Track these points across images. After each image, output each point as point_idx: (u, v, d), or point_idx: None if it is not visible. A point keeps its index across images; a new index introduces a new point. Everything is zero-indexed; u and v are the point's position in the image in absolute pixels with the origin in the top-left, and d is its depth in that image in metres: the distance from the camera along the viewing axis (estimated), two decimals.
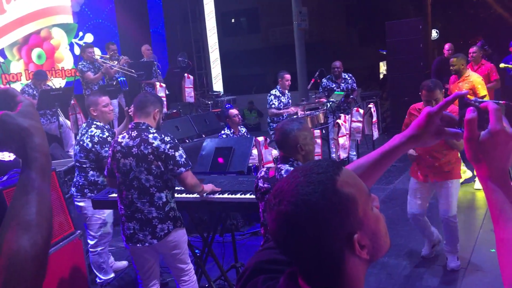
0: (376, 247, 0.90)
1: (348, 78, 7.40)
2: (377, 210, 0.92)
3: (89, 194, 3.81)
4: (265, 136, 4.91)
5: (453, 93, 1.04)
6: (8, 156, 5.10)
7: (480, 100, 0.98)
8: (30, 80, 7.08)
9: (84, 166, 3.83)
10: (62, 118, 6.62)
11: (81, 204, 3.86)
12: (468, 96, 1.01)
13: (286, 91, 6.92)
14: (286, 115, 6.76)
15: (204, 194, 3.32)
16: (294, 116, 6.44)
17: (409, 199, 4.12)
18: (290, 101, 7.01)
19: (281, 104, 6.82)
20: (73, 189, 3.93)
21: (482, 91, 5.58)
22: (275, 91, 6.84)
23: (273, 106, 6.77)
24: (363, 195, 0.89)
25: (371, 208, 0.91)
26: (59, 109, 6.39)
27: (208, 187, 3.35)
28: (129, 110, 3.75)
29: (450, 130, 1.06)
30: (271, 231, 0.90)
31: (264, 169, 2.81)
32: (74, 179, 3.98)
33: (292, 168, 2.53)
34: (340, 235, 0.86)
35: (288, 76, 6.87)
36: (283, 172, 2.58)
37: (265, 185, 2.68)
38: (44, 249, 0.80)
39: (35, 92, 6.54)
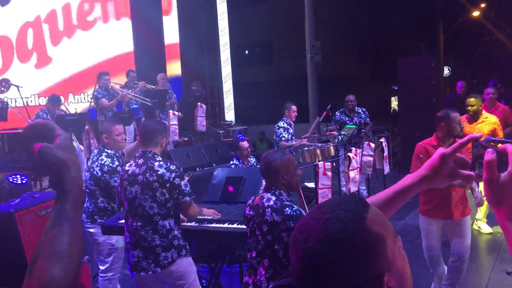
0: None
1: (362, 113, 7.44)
2: (402, 250, 0.90)
3: (99, 220, 3.82)
4: None
5: (468, 135, 1.05)
6: (21, 179, 5.17)
7: (493, 139, 0.98)
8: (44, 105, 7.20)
9: (94, 193, 3.86)
10: (76, 143, 6.69)
11: (91, 230, 3.87)
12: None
13: (292, 122, 6.98)
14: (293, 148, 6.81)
15: (205, 223, 3.32)
16: (305, 148, 6.48)
17: (427, 243, 3.96)
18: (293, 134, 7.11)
19: (290, 135, 6.86)
20: (83, 215, 3.94)
21: (500, 134, 5.51)
22: (283, 123, 6.88)
23: (283, 138, 6.79)
24: (391, 235, 0.87)
25: (398, 248, 0.88)
26: (73, 134, 6.47)
27: (208, 211, 3.39)
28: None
29: (463, 172, 1.06)
30: (295, 268, 0.87)
31: (253, 197, 2.86)
32: (84, 205, 4.00)
33: (274, 197, 2.64)
34: (369, 276, 0.83)
35: (294, 108, 6.92)
36: (264, 200, 2.65)
37: (250, 212, 2.75)
38: (75, 280, 0.82)
39: (49, 117, 6.64)
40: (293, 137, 6.98)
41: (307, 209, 3.46)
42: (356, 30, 19.34)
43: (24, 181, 5.21)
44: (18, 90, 6.72)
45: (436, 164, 1.07)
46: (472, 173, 1.03)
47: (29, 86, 7.64)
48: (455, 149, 1.06)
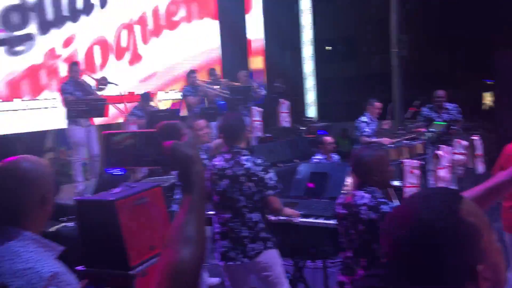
0: (497, 281, 0.86)
1: (452, 109, 7.07)
2: (497, 243, 0.89)
3: None
4: None
5: None
6: (118, 171, 5.56)
7: None
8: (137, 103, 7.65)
9: None
10: None
11: None
12: None
13: (375, 118, 6.82)
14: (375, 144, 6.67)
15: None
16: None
17: None
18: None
19: (372, 130, 6.72)
20: (175, 206, 4.16)
21: None
22: (364, 118, 6.76)
23: (364, 133, 6.69)
24: (486, 226, 0.86)
25: (493, 240, 0.87)
26: None
27: (288, 211, 3.41)
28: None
29: None
30: (386, 256, 0.88)
31: (343, 195, 2.82)
32: (176, 196, 4.22)
33: (367, 194, 2.58)
34: (462, 266, 0.82)
35: (378, 104, 6.77)
36: (357, 198, 2.61)
37: (343, 211, 2.71)
38: (200, 265, 0.90)
39: (142, 113, 7.06)
40: (374, 133, 6.83)
41: None
42: (446, 22, 18.33)
43: (122, 173, 5.62)
44: (115, 88, 7.21)
45: None
46: None
47: (123, 83, 8.16)
48: None
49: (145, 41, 9.00)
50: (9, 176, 1.51)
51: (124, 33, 8.69)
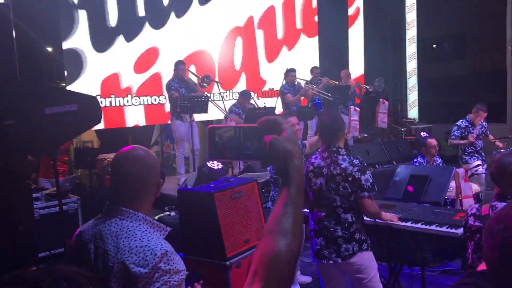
0: None
1: None
2: None
3: None
4: (465, 168, 4.55)
5: None
6: (217, 165, 5.80)
7: None
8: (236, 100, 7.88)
9: (278, 181, 4.10)
10: None
11: None
12: None
13: (478, 123, 6.38)
14: (481, 145, 6.28)
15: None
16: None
17: None
18: (487, 132, 6.48)
19: (470, 134, 6.30)
20: (269, 202, 4.23)
21: None
22: (461, 122, 6.40)
23: (452, 137, 6.35)
24: None
25: None
26: None
27: (387, 216, 3.28)
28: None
29: None
30: (489, 259, 0.85)
31: (477, 205, 2.58)
32: (270, 193, 4.29)
33: None
34: None
35: (484, 114, 6.33)
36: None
37: (476, 223, 2.47)
38: (296, 257, 0.92)
39: (240, 111, 7.26)
40: (481, 135, 6.43)
41: None
42: None
43: (219, 167, 5.85)
44: (218, 85, 7.52)
45: None
46: None
47: (225, 82, 8.48)
48: None
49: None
50: (134, 161, 1.65)
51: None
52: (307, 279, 4.57)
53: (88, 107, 3.77)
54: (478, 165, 5.98)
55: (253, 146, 0.99)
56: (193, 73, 7.26)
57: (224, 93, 8.34)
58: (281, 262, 0.88)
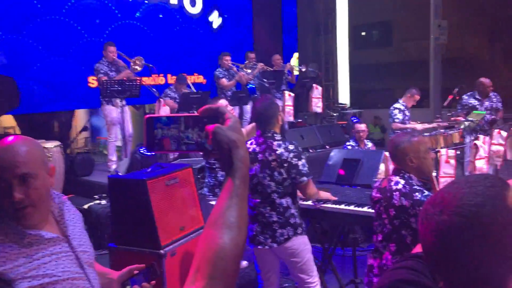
0: None
1: (493, 97, 6.82)
2: None
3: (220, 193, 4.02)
4: None
5: None
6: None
7: None
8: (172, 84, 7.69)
9: (214, 167, 4.05)
10: None
11: (212, 203, 4.09)
12: None
13: (409, 108, 6.68)
14: (410, 130, 6.53)
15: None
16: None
17: None
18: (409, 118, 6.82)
19: (406, 117, 6.57)
20: (205, 189, 4.18)
21: None
22: (399, 105, 6.63)
23: (396, 120, 6.56)
24: None
25: None
26: (196, 111, 6.85)
27: (325, 194, 3.37)
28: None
29: None
30: (425, 243, 0.85)
31: (380, 179, 2.78)
32: (206, 180, 4.23)
33: (403, 180, 2.56)
34: (507, 256, 0.78)
35: (417, 97, 6.64)
36: (392, 183, 2.58)
37: (377, 195, 2.69)
38: (242, 252, 0.88)
39: (176, 96, 7.09)
40: (408, 121, 6.69)
41: None
42: (489, 7, 17.63)
43: (153, 153, 5.69)
44: (149, 69, 7.26)
45: None
46: None
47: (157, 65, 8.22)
48: None
49: None
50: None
51: None
52: (242, 264, 4.58)
53: (3, 89, 3.48)
54: None
55: (194, 136, 0.94)
56: (124, 56, 6.96)
57: (158, 77, 8.11)
58: (226, 257, 0.84)
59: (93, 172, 6.65)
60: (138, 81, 6.32)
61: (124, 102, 6.34)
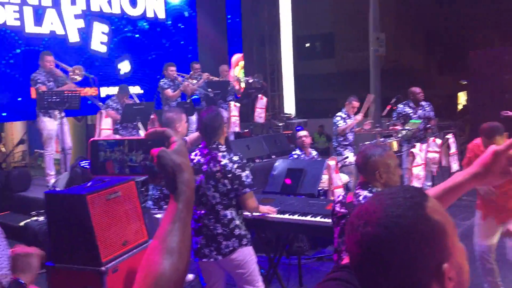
0: (461, 282, 0.85)
1: (426, 106, 7.18)
2: (461, 243, 0.88)
3: (165, 206, 3.95)
4: (336, 160, 4.86)
5: None
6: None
7: None
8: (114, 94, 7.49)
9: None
10: (142, 132, 6.95)
11: (157, 216, 4.01)
12: None
13: (352, 116, 6.89)
14: (355, 126, 6.78)
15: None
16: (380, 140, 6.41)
17: (476, 239, 3.86)
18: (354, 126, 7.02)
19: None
20: (149, 202, 4.09)
21: None
22: (341, 113, 6.86)
23: (339, 125, 6.81)
24: (451, 225, 0.86)
25: (457, 239, 0.87)
26: (140, 123, 6.72)
27: (264, 209, 3.38)
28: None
29: None
30: (351, 254, 0.87)
31: (343, 193, 2.77)
32: (150, 192, 4.14)
33: (370, 195, 2.46)
34: (429, 264, 0.81)
35: (356, 104, 6.87)
36: (361, 198, 2.51)
37: (342, 210, 2.61)
38: (183, 277, 0.86)
39: (118, 107, 6.92)
40: (353, 129, 6.91)
41: None
42: (424, 20, 18.58)
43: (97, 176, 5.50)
44: (90, 80, 7.05)
45: (488, 161, 1.05)
46: None
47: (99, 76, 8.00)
48: (508, 146, 1.03)
49: None
50: None
51: None
52: (188, 277, 4.52)
53: None
54: (347, 157, 6.44)
55: (139, 159, 0.94)
56: (63, 65, 6.73)
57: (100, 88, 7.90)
58: (166, 283, 0.83)
59: (30, 187, 6.34)
60: (78, 92, 6.12)
61: (63, 114, 6.11)
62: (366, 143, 6.45)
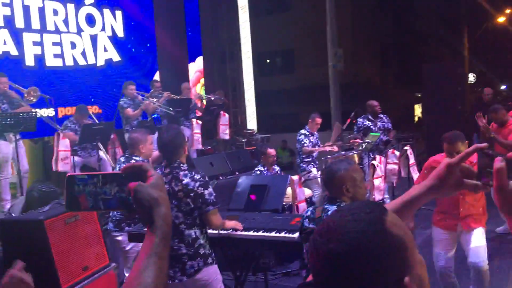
0: None
1: (384, 118, 7.40)
2: (420, 256, 0.91)
3: (126, 228, 3.87)
4: (299, 175, 4.90)
5: (474, 145, 1.06)
6: (48, 187, 5.27)
7: (499, 153, 0.99)
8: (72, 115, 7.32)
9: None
10: (102, 152, 6.80)
11: (119, 238, 3.92)
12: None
13: (315, 132, 7.01)
14: (317, 154, 6.86)
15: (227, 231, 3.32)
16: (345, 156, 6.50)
17: (435, 251, 3.94)
18: (318, 141, 7.10)
19: (311, 143, 6.89)
20: (110, 224, 3.99)
21: None
22: (304, 131, 6.96)
23: (305, 145, 6.86)
24: (410, 238, 0.88)
25: (416, 252, 0.89)
26: (99, 143, 6.58)
27: (230, 224, 3.38)
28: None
29: (469, 182, 1.06)
30: (315, 271, 0.88)
31: (311, 208, 2.77)
32: (111, 213, 4.05)
33: None
34: (390, 278, 0.82)
35: (319, 120, 7.00)
36: (329, 213, 2.49)
37: (311, 226, 2.62)
38: None
39: (77, 127, 6.76)
40: (318, 145, 7.01)
41: None
42: (379, 36, 19.21)
43: (52, 189, 5.32)
44: (46, 100, 6.87)
45: (442, 174, 1.08)
46: (478, 182, 1.04)
47: (56, 96, 7.79)
48: (461, 159, 1.06)
49: None
50: None
51: None
52: None
53: None
54: (310, 171, 6.51)
55: (113, 191, 0.94)
56: (17, 87, 6.53)
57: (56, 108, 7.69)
58: None
59: None
60: (34, 113, 5.94)
61: (18, 136, 5.91)
62: (328, 157, 6.57)
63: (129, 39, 9.63)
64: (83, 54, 8.68)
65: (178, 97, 8.31)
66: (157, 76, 9.98)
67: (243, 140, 11.03)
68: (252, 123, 13.42)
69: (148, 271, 0.87)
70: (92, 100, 8.76)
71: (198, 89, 11.49)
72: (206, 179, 3.08)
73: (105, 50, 9.10)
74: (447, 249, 3.89)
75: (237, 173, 7.45)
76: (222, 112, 8.77)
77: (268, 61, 21.08)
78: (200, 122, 8.10)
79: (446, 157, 3.73)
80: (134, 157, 3.91)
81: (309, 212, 2.71)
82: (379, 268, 0.82)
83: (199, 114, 8.97)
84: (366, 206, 0.89)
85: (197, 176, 3.03)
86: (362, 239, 0.83)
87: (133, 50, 9.72)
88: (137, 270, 0.87)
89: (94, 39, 8.88)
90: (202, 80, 11.78)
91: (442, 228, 3.91)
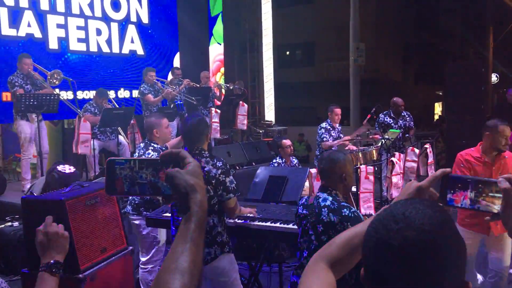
0: None
1: (407, 116, 7.30)
2: None
3: (144, 212, 3.89)
4: (317, 168, 4.87)
5: (440, 170, 1.09)
6: (68, 169, 5.35)
7: (472, 178, 1.04)
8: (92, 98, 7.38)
9: None
10: (122, 137, 6.85)
11: (136, 222, 3.94)
12: None
13: (337, 125, 6.87)
14: (336, 148, 6.76)
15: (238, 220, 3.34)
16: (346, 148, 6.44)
17: None
18: (340, 135, 6.95)
19: (332, 138, 6.78)
20: (129, 207, 4.02)
21: None
22: (325, 124, 6.79)
23: (324, 139, 6.71)
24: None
25: None
26: (119, 128, 6.62)
27: (246, 210, 3.38)
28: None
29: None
30: (374, 261, 0.84)
31: (306, 197, 2.87)
32: (130, 198, 4.08)
33: (330, 197, 2.64)
34: (455, 278, 0.81)
35: (338, 111, 6.81)
36: (320, 200, 2.65)
37: (304, 211, 2.74)
38: None
39: (96, 111, 6.81)
40: (337, 139, 6.90)
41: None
42: (402, 33, 18.94)
43: (71, 170, 5.40)
44: (69, 83, 6.93)
45: (413, 196, 1.09)
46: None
47: (78, 79, 7.86)
48: (430, 182, 1.09)
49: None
50: None
51: None
52: None
53: None
54: None
55: (148, 177, 0.96)
56: (41, 68, 6.60)
57: (77, 91, 7.76)
58: None
59: (5, 192, 6.18)
60: (56, 95, 6.01)
61: (40, 117, 5.99)
62: (347, 151, 6.51)
63: (153, 26, 9.64)
64: (108, 42, 8.73)
65: (198, 86, 8.32)
66: (177, 61, 10.00)
67: (260, 131, 11.03)
68: (270, 114, 13.40)
69: (184, 255, 0.88)
70: (114, 85, 8.82)
71: (217, 78, 11.50)
72: (228, 166, 3.08)
73: (132, 41, 9.16)
74: (469, 253, 3.78)
75: (254, 164, 7.45)
76: (240, 102, 8.76)
77: (288, 53, 20.93)
78: (218, 111, 8.11)
79: (480, 149, 3.64)
80: (152, 144, 3.91)
81: (303, 200, 2.84)
82: (452, 264, 0.80)
83: (217, 103, 8.98)
84: (436, 204, 0.88)
85: (219, 164, 3.02)
86: (444, 233, 0.81)
87: (156, 37, 9.73)
88: (174, 254, 0.89)
89: (122, 29, 8.93)
90: (222, 70, 11.78)
91: (468, 229, 3.65)
